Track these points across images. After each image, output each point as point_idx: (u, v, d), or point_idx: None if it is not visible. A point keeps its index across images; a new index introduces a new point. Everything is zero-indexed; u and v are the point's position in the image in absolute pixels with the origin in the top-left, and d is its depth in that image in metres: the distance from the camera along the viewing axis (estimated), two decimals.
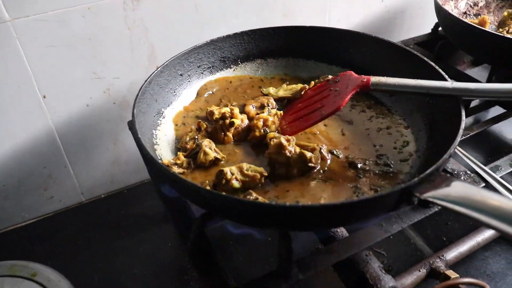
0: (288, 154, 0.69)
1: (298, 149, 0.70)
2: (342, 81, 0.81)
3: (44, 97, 0.93)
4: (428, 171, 0.57)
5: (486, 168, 0.83)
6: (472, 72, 1.46)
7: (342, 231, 0.76)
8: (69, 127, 1.00)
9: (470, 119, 1.14)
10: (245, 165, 0.69)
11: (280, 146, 0.69)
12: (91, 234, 1.05)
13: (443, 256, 0.90)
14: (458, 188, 0.54)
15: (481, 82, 1.11)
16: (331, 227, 0.73)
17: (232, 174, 0.67)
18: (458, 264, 0.92)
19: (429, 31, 1.30)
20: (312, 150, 0.72)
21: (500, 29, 1.11)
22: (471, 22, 1.11)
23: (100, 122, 1.03)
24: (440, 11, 1.07)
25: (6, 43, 0.84)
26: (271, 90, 0.91)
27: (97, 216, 1.10)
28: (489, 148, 1.24)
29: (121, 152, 1.10)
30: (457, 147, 0.90)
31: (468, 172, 0.82)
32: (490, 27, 1.18)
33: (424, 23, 1.32)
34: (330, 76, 0.89)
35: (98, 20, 0.90)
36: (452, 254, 0.91)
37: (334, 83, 0.83)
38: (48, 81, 0.92)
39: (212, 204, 0.59)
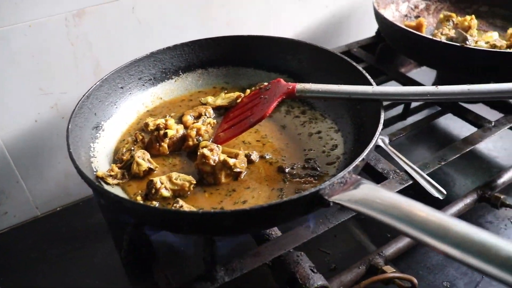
0: (212, 163, 0.72)
1: (222, 157, 0.73)
2: (271, 89, 0.85)
3: None
4: (338, 175, 0.61)
5: (414, 166, 0.87)
6: (419, 72, 1.51)
7: (275, 232, 0.79)
8: (19, 142, 1.01)
9: (414, 118, 1.18)
10: (174, 174, 0.72)
11: (204, 157, 0.73)
12: (46, 247, 1.06)
13: (382, 252, 0.93)
14: (363, 190, 0.58)
15: (422, 84, 1.16)
16: (248, 232, 0.76)
17: (162, 183, 0.70)
18: (400, 259, 0.95)
19: (374, 34, 1.35)
20: (236, 156, 0.75)
21: (436, 31, 1.15)
22: (408, 25, 1.15)
23: (49, 136, 1.05)
24: (377, 15, 1.12)
25: None
26: (209, 99, 0.94)
27: (53, 229, 1.12)
28: (436, 144, 1.29)
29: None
30: (390, 148, 0.93)
31: (397, 171, 0.86)
32: (428, 29, 1.23)
33: (370, 27, 1.36)
34: (265, 84, 0.93)
35: (40, 37, 0.92)
36: (391, 250, 0.94)
37: (264, 91, 0.86)
38: None
39: (135, 213, 0.61)
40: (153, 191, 0.69)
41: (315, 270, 0.75)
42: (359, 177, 0.62)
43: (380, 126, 0.71)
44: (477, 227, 0.47)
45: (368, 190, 0.58)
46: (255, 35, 1.00)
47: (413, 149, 1.30)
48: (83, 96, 0.82)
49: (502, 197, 1.00)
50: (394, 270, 0.87)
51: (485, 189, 1.03)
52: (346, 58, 0.90)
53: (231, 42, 1.00)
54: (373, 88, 0.77)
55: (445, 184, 1.20)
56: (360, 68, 0.86)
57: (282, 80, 0.86)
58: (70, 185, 1.15)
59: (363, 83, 0.82)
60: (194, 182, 0.72)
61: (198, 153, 0.74)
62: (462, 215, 0.99)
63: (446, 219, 0.48)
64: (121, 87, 0.92)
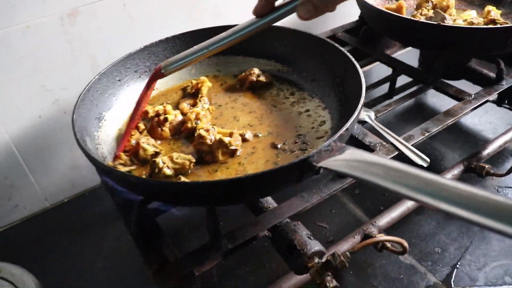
0: (209, 142, 0.78)
1: (218, 136, 0.79)
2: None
3: None
4: (325, 144, 0.66)
5: (399, 138, 0.92)
6: (404, 54, 1.57)
7: (272, 204, 0.84)
8: (25, 138, 1.07)
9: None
10: (175, 154, 0.77)
11: (201, 137, 0.79)
12: (57, 236, 1.12)
13: (375, 222, 0.99)
14: (347, 154, 0.64)
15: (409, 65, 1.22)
16: (245, 200, 0.81)
17: (164, 163, 0.75)
18: (393, 228, 1.01)
19: (357, 18, 1.40)
20: (230, 135, 0.81)
21: (415, 12, 1.21)
22: (389, 8, 1.21)
23: (53, 131, 1.10)
24: (359, 1, 1.17)
25: None
26: None
27: (62, 219, 1.17)
28: (421, 120, 1.35)
29: (78, 157, 1.17)
30: (376, 123, 0.99)
31: (384, 143, 0.92)
32: (408, 12, 1.28)
33: (355, 11, 1.41)
34: (255, 69, 0.99)
35: (38, 37, 0.97)
36: (384, 220, 0.99)
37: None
38: None
39: (140, 188, 0.67)
40: (156, 170, 0.74)
41: (312, 238, 0.80)
42: (344, 144, 0.68)
43: (362, 99, 0.76)
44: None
45: (351, 154, 0.63)
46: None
47: (401, 127, 1.36)
48: (84, 89, 0.87)
49: (486, 166, 1.06)
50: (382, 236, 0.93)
51: (471, 160, 1.09)
52: (329, 41, 0.95)
53: (220, 32, 1.05)
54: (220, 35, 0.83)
55: (434, 158, 1.27)
56: (343, 49, 0.91)
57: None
58: (75, 177, 1.20)
59: (347, 64, 0.88)
60: (194, 160, 0.78)
61: (196, 134, 0.80)
62: None
63: (422, 173, 0.53)
64: (119, 80, 0.97)
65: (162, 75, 0.86)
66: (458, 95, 1.08)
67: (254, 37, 1.04)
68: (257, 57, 1.07)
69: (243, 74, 1.01)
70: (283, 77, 1.04)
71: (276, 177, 0.65)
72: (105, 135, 0.88)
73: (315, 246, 0.78)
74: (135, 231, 0.76)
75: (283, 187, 0.70)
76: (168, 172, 0.75)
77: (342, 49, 0.92)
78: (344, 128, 0.69)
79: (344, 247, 0.93)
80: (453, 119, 1.01)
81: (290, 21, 1.36)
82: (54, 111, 1.07)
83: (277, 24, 1.01)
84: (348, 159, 0.62)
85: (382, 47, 1.38)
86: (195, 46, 0.84)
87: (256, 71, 1.00)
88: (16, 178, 1.11)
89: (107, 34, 1.06)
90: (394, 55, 1.38)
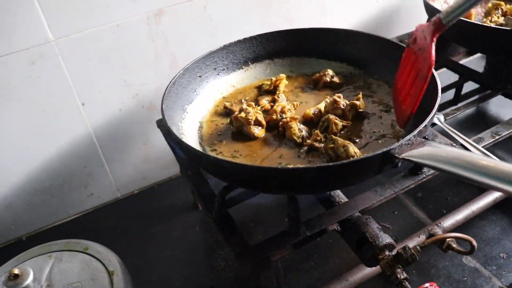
0: (342, 106, 0.89)
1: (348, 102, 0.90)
2: (419, 38, 0.84)
3: (83, 104, 1.08)
4: (406, 138, 0.69)
5: (469, 140, 0.94)
6: (468, 61, 1.57)
7: (343, 198, 0.87)
8: (105, 130, 1.14)
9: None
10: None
11: (335, 102, 0.90)
12: (128, 225, 1.19)
13: (440, 223, 1.00)
14: (429, 148, 0.66)
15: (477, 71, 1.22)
16: (330, 189, 0.85)
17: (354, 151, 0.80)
18: (456, 231, 1.01)
19: None
20: (358, 99, 0.93)
21: (485, 19, 1.22)
22: None
23: (131, 124, 1.17)
24: (427, 7, 1.19)
25: (51, 59, 0.99)
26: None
27: (132, 209, 1.24)
28: (487, 126, 1.35)
29: (150, 151, 1.24)
30: (445, 125, 1.01)
31: (454, 144, 0.93)
32: (476, 19, 1.29)
33: (419, 19, 1.43)
34: (329, 71, 1.03)
35: (125, 35, 1.05)
36: (449, 222, 1.01)
37: (414, 45, 0.85)
38: (86, 90, 1.06)
39: (229, 173, 0.72)
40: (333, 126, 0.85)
41: (382, 231, 0.83)
42: (424, 139, 0.70)
43: (439, 97, 0.78)
44: None
45: (432, 147, 0.66)
46: (316, 28, 1.10)
47: (464, 131, 1.36)
48: (170, 82, 0.92)
49: None
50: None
51: None
52: (403, 44, 0.98)
53: (294, 34, 1.10)
54: None
55: None
56: None
57: (422, 24, 0.84)
58: (146, 170, 1.27)
59: None
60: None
61: (329, 100, 0.94)
62: None
63: (506, 164, 0.56)
64: (199, 76, 1.02)
65: (443, 27, 0.79)
66: None
67: (326, 40, 1.09)
68: (330, 60, 1.11)
69: (317, 74, 1.05)
70: (355, 79, 1.07)
71: (361, 167, 0.68)
72: (187, 126, 0.94)
73: (386, 238, 0.80)
74: (217, 216, 0.80)
75: (363, 177, 0.74)
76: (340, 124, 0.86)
77: None
78: (423, 125, 0.72)
79: (409, 244, 0.94)
80: None
81: (360, 25, 1.41)
82: (133, 105, 1.14)
83: (350, 28, 1.05)
84: (430, 153, 0.64)
85: (448, 54, 1.38)
86: None
87: (330, 72, 1.04)
88: (93, 168, 1.18)
89: (187, 33, 1.13)
90: (460, 62, 1.38)
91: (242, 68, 1.10)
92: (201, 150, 0.85)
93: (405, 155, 0.67)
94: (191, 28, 1.13)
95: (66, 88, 1.04)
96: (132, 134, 1.19)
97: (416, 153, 0.66)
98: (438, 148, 0.64)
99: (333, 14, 1.33)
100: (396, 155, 0.67)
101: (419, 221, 1.12)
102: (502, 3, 1.24)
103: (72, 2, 0.96)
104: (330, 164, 0.64)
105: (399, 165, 0.70)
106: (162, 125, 1.00)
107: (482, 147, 0.93)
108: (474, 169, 0.57)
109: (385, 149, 0.67)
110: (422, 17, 1.31)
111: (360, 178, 0.75)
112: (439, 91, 0.80)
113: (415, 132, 0.70)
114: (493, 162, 0.56)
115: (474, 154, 0.59)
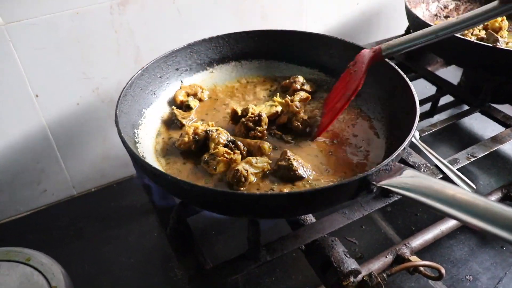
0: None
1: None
2: (358, 62, 0.88)
3: (37, 96, 0.99)
4: (383, 163, 0.64)
5: (444, 161, 0.90)
6: (446, 70, 1.54)
7: (310, 218, 0.82)
8: (61, 124, 1.06)
9: (439, 117, 1.21)
10: (252, 159, 0.76)
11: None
12: (83, 225, 1.11)
13: (408, 243, 0.96)
14: (407, 176, 0.62)
15: (450, 83, 1.18)
16: (299, 214, 0.79)
17: (246, 170, 0.73)
18: (424, 251, 0.98)
19: (403, 32, 1.37)
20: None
21: (466, 31, 1.18)
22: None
23: (89, 120, 1.09)
24: (409, 14, 1.14)
25: (0, 46, 0.90)
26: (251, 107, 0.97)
27: (88, 209, 1.17)
28: (461, 142, 1.32)
29: (110, 148, 1.16)
30: (421, 143, 0.97)
31: (428, 165, 0.90)
32: None
33: (399, 25, 1.39)
34: (299, 77, 0.97)
35: (86, 24, 0.97)
36: (417, 241, 0.97)
37: (352, 66, 0.89)
38: (40, 81, 0.98)
39: (190, 195, 0.65)
40: (243, 179, 0.72)
41: (348, 255, 0.78)
42: (402, 164, 0.66)
43: (417, 118, 0.74)
44: None
45: (413, 175, 0.61)
46: (288, 30, 1.04)
47: (438, 146, 1.33)
48: (126, 84, 0.85)
49: None
50: (419, 260, 0.91)
51: (511, 187, 1.05)
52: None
53: (264, 36, 1.03)
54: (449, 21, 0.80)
55: None
56: (393, 65, 0.89)
57: (365, 50, 0.89)
58: (105, 167, 1.19)
59: (397, 80, 0.86)
60: (270, 161, 0.78)
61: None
62: None
63: (488, 201, 0.52)
64: (160, 77, 0.95)
65: (381, 58, 0.86)
66: (506, 121, 1.05)
67: (298, 43, 1.03)
68: (300, 65, 1.06)
69: (287, 81, 0.99)
70: (326, 87, 1.01)
71: (335, 194, 0.64)
72: (144, 133, 0.87)
73: (352, 264, 0.76)
74: (171, 234, 0.74)
75: (336, 203, 0.69)
76: (253, 178, 0.74)
77: (393, 64, 0.89)
78: (401, 148, 0.67)
79: (375, 265, 0.90)
80: (500, 145, 0.98)
81: (338, 28, 1.36)
82: (92, 100, 1.06)
83: (324, 33, 0.99)
84: (410, 183, 0.60)
85: (425, 63, 1.34)
86: (419, 31, 0.82)
87: (301, 79, 0.98)
88: (47, 164, 1.10)
89: (153, 26, 1.05)
90: (436, 72, 1.35)
91: (207, 70, 1.04)
92: (156, 165, 0.78)
93: (383, 183, 0.62)
94: (158, 20, 1.05)
95: (18, 77, 0.95)
96: (90, 130, 1.11)
97: (395, 183, 0.61)
98: (418, 177, 0.60)
99: (310, 14, 1.27)
100: (374, 182, 0.63)
101: (387, 237, 1.08)
102: None
103: None
104: (302, 190, 0.59)
105: (374, 191, 0.65)
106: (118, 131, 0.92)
107: (457, 169, 0.90)
108: (462, 208, 0.53)
109: (361, 175, 0.62)
110: (401, 22, 1.27)
111: (333, 204, 0.70)
112: (417, 111, 0.75)
113: (393, 156, 0.65)
114: (483, 201, 0.52)
115: (459, 189, 0.55)
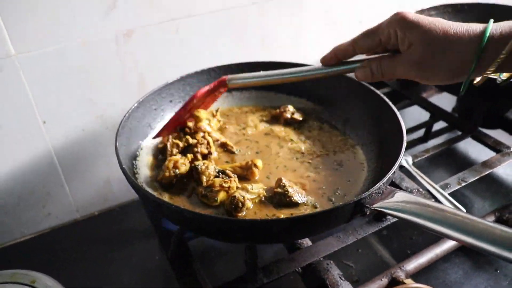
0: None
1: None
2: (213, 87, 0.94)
3: (44, 122, 1.03)
4: (376, 186, 0.67)
5: (436, 186, 0.93)
6: (441, 96, 1.58)
7: (306, 242, 0.85)
8: (66, 149, 1.09)
9: (434, 142, 1.24)
10: (247, 186, 0.79)
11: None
12: (85, 248, 1.14)
13: (403, 266, 0.99)
14: (399, 198, 0.65)
15: (444, 110, 1.22)
16: (296, 238, 0.82)
17: (243, 196, 0.76)
18: (419, 274, 1.00)
19: None
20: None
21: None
22: None
23: (94, 145, 1.13)
24: None
25: (11, 75, 0.94)
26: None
27: (91, 232, 1.19)
28: (455, 166, 1.35)
29: (113, 172, 1.20)
30: (413, 168, 1.00)
31: (420, 189, 0.93)
32: None
33: None
34: (289, 107, 1.02)
35: (92, 53, 1.01)
36: (412, 265, 0.99)
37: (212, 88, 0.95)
38: (48, 108, 1.02)
39: (190, 223, 0.68)
40: (240, 205, 0.75)
41: (343, 278, 0.81)
42: (393, 187, 0.69)
43: (404, 143, 0.77)
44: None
45: (404, 197, 0.65)
46: (275, 62, 1.07)
47: (432, 171, 1.36)
48: (124, 117, 0.89)
49: None
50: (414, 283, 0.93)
51: (503, 211, 1.08)
52: (365, 84, 0.96)
53: (253, 68, 1.06)
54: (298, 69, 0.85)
55: (464, 206, 1.25)
56: (379, 93, 0.92)
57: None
58: (108, 192, 1.23)
59: (384, 108, 0.89)
60: (265, 187, 0.80)
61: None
62: None
63: (475, 219, 0.55)
64: (155, 109, 0.99)
65: (225, 86, 0.91)
66: (496, 147, 1.09)
67: None
68: (288, 94, 1.10)
69: (277, 110, 1.03)
70: (315, 116, 1.05)
71: (331, 217, 0.67)
72: (142, 164, 0.90)
73: (346, 287, 0.79)
74: (172, 257, 0.77)
75: (332, 227, 0.72)
76: (250, 204, 0.76)
77: (379, 92, 0.93)
78: (391, 172, 0.70)
79: None
80: (490, 170, 1.01)
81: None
82: (97, 126, 1.10)
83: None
84: (402, 204, 0.63)
85: (420, 89, 1.39)
86: (265, 72, 0.88)
87: (291, 108, 1.02)
88: (52, 187, 1.13)
89: (157, 55, 1.09)
90: (430, 99, 1.38)
91: None
92: (154, 193, 0.81)
93: (376, 205, 0.65)
94: (162, 50, 1.09)
95: (27, 105, 0.99)
96: (94, 155, 1.15)
97: (387, 205, 0.65)
98: (410, 198, 0.63)
99: (308, 38, 1.30)
100: (367, 205, 0.66)
101: (382, 261, 1.10)
102: None
103: (37, 17, 0.91)
104: (301, 215, 0.62)
105: (368, 213, 0.68)
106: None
107: (449, 193, 0.93)
108: (450, 224, 0.56)
109: (355, 199, 0.65)
110: None
111: (329, 227, 0.73)
112: (404, 137, 0.79)
113: (384, 179, 0.69)
114: (471, 219, 0.55)
115: (448, 208, 0.58)
